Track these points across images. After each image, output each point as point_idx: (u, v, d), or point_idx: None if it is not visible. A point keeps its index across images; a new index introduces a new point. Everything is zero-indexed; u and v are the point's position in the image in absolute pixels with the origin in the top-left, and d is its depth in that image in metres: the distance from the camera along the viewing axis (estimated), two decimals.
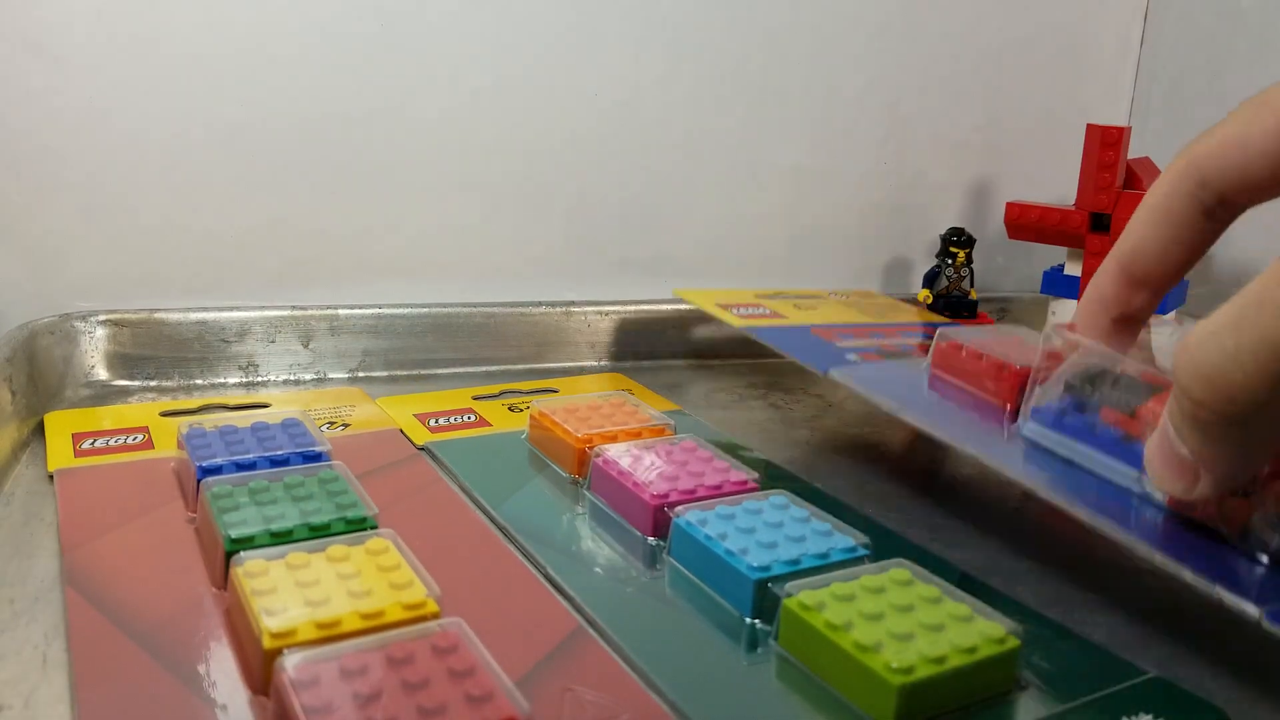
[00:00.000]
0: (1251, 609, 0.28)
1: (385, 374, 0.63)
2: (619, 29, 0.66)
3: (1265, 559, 0.31)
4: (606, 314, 0.68)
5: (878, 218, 0.77)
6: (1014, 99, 0.79)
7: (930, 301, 0.71)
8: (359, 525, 0.37)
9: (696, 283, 0.72)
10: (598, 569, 0.38)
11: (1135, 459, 0.36)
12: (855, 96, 0.74)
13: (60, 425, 0.50)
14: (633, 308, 0.69)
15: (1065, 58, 0.80)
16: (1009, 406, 0.43)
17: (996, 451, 0.39)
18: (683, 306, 0.70)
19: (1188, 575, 0.30)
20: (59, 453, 0.46)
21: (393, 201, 0.64)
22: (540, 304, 0.67)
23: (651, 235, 0.71)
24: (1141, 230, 0.35)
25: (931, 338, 0.54)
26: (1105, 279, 0.36)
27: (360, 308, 0.63)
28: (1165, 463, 0.29)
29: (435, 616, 0.31)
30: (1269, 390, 0.25)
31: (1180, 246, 0.34)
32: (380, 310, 0.63)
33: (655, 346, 0.70)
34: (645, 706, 0.30)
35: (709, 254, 0.73)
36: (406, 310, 0.64)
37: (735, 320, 0.54)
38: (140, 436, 0.49)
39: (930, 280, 0.72)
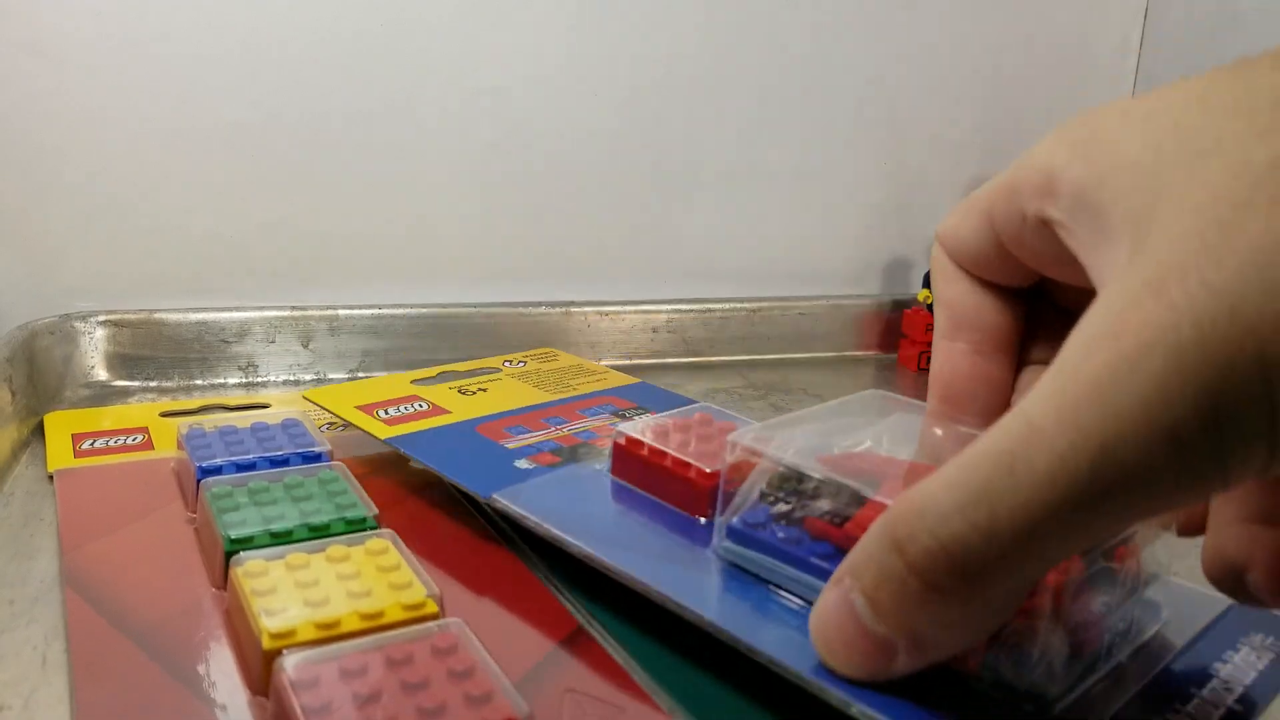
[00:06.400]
0: None
1: (385, 374, 0.63)
2: (619, 29, 0.66)
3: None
4: (606, 314, 0.68)
5: (878, 218, 0.77)
6: (1014, 99, 0.79)
7: (931, 301, 0.71)
8: (359, 525, 0.36)
9: (697, 283, 0.72)
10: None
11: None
12: (855, 96, 0.74)
13: (60, 425, 0.50)
14: (632, 308, 0.69)
15: (1065, 58, 0.80)
16: (703, 519, 0.36)
17: (686, 583, 0.32)
18: (682, 306, 0.70)
19: None
20: (59, 453, 0.46)
21: (393, 201, 0.64)
22: (540, 304, 0.67)
23: (651, 235, 0.71)
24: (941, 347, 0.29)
25: (616, 410, 0.48)
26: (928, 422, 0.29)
27: (360, 308, 0.63)
28: (850, 643, 0.24)
29: (435, 617, 0.31)
30: (1029, 567, 0.21)
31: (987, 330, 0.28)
32: (380, 310, 0.63)
33: (655, 346, 0.70)
34: (645, 707, 0.30)
35: (709, 254, 0.73)
36: (406, 310, 0.64)
37: (379, 429, 0.44)
38: (140, 437, 0.49)
39: (930, 280, 0.71)
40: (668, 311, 0.70)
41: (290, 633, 0.29)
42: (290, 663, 0.27)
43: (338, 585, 0.31)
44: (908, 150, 0.77)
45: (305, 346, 0.62)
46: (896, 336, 0.74)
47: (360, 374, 0.62)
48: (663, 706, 0.30)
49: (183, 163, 0.59)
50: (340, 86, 0.61)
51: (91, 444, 0.48)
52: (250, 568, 0.32)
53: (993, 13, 0.77)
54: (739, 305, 0.72)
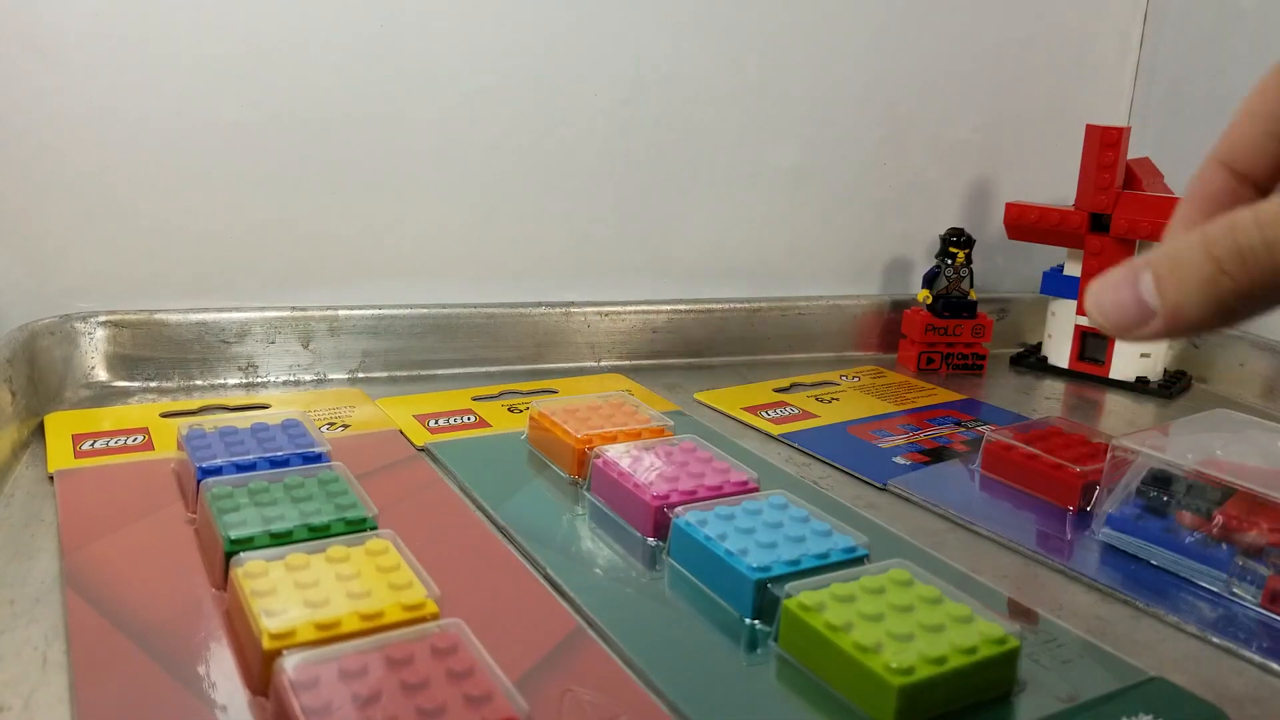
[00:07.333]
0: None
1: (385, 375, 0.63)
2: (619, 29, 0.66)
3: None
4: (606, 314, 0.68)
5: (878, 218, 0.77)
6: (1014, 99, 0.79)
7: (930, 301, 0.71)
8: (359, 526, 0.37)
9: (697, 283, 0.72)
10: (598, 569, 0.38)
11: (1218, 562, 0.39)
12: (855, 96, 0.74)
13: (60, 426, 0.50)
14: (633, 308, 0.69)
15: (1065, 58, 0.80)
16: (1071, 509, 0.46)
17: (1074, 559, 0.42)
18: (682, 306, 0.70)
19: None
20: (59, 453, 0.46)
21: (393, 201, 0.64)
22: (540, 304, 0.67)
23: (651, 235, 0.71)
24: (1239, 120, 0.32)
25: (959, 422, 0.58)
26: (1206, 175, 0.32)
27: (360, 308, 0.63)
28: (1119, 301, 0.28)
29: (435, 617, 0.31)
30: None
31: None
32: (380, 311, 0.63)
33: (655, 346, 0.70)
34: (645, 707, 0.30)
35: (709, 254, 0.73)
36: (406, 311, 0.64)
37: (772, 427, 0.56)
38: (140, 437, 0.49)
39: (930, 280, 0.71)
40: (668, 311, 0.70)
41: (290, 633, 0.29)
42: (290, 663, 0.27)
43: (338, 586, 0.31)
44: (908, 150, 0.77)
45: (305, 346, 0.62)
46: (896, 336, 0.74)
47: (360, 374, 0.62)
48: (662, 707, 0.30)
49: (183, 163, 0.59)
50: (340, 86, 0.61)
51: (92, 444, 0.48)
52: (250, 568, 0.32)
53: (993, 13, 0.77)
54: (739, 305, 0.72)
